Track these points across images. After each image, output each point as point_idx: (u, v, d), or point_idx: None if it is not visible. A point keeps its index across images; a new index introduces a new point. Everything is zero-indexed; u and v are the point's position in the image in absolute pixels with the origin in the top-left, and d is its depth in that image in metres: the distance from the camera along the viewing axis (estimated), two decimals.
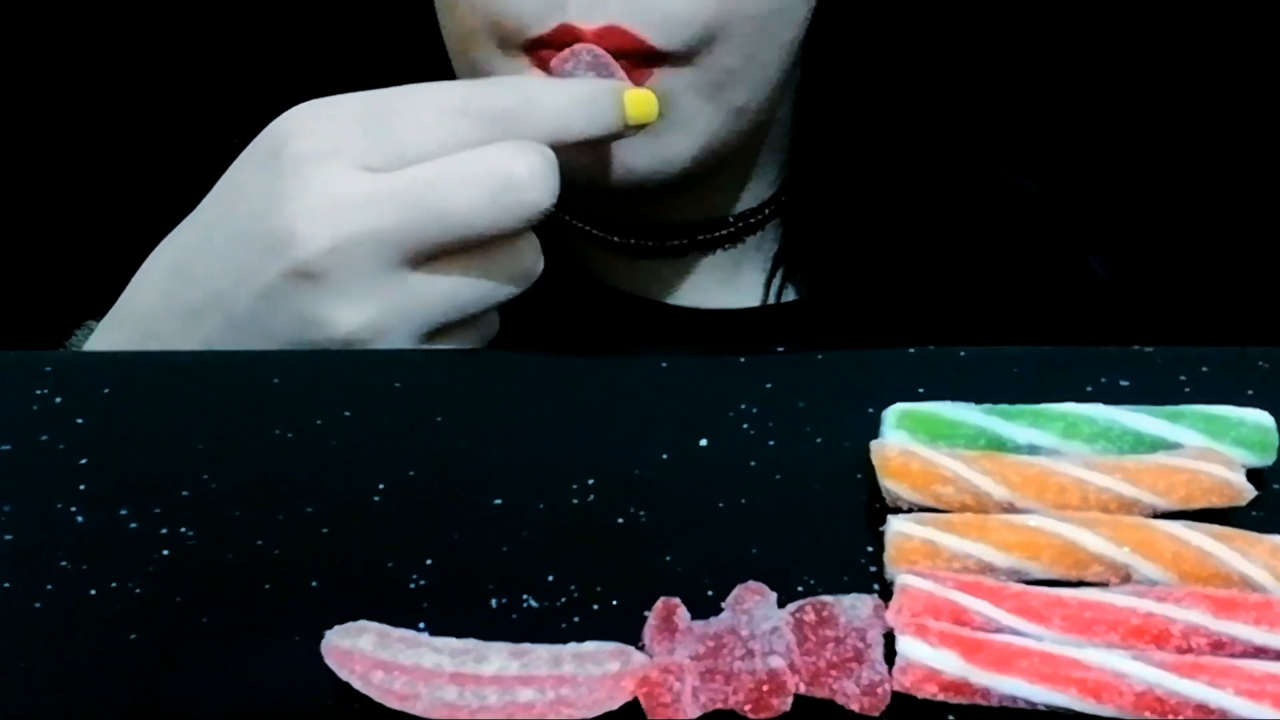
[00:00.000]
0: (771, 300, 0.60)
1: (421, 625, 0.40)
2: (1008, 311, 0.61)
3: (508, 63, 0.50)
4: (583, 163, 0.50)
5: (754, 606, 0.40)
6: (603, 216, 0.58)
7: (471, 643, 0.39)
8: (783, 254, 0.60)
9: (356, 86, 0.48)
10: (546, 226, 0.59)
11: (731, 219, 0.59)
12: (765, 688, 0.38)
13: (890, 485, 0.42)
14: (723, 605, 0.40)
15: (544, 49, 0.50)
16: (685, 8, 0.49)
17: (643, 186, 0.52)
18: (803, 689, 0.38)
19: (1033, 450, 0.43)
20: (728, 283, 0.60)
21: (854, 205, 0.60)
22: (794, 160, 0.60)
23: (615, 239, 0.58)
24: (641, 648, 0.39)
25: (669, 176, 0.52)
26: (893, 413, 0.44)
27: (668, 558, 0.42)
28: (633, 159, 0.51)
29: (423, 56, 0.56)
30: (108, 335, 0.51)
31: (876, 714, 0.38)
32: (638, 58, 0.49)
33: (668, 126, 0.51)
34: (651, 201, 0.56)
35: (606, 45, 0.48)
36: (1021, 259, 0.63)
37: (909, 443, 0.43)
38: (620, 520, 0.43)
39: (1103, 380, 0.46)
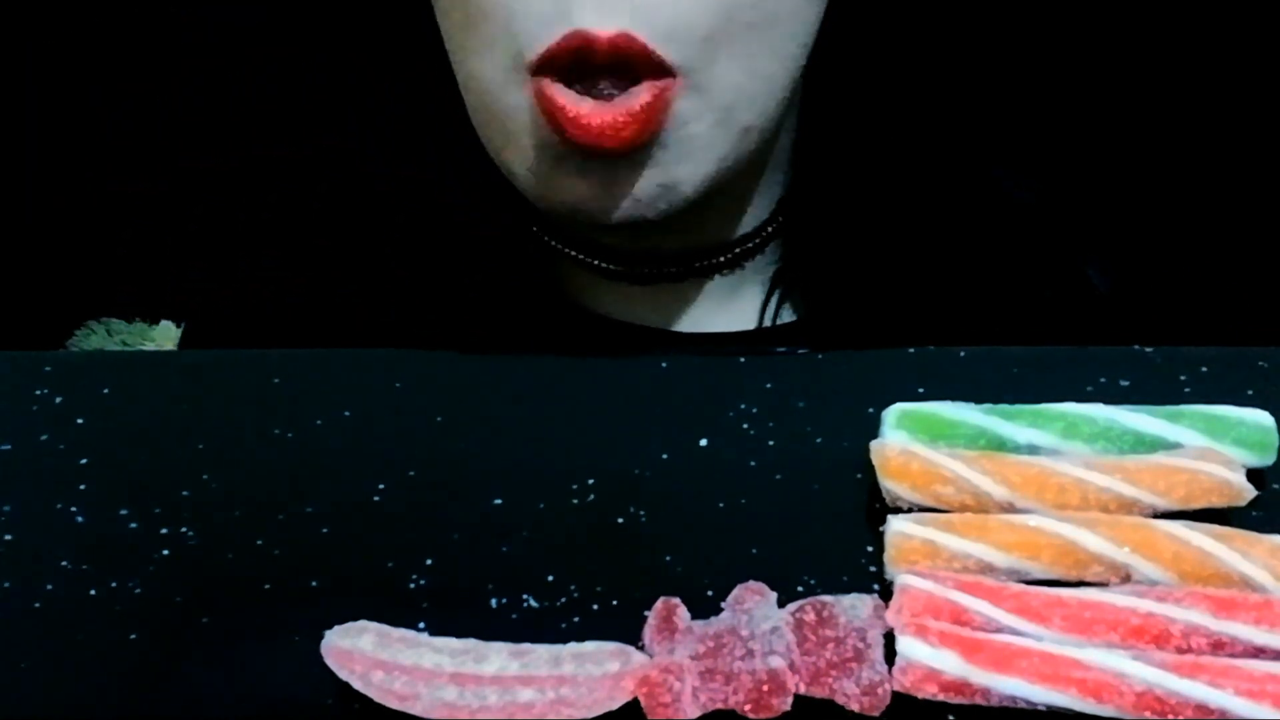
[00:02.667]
0: (768, 323, 0.60)
1: (421, 625, 0.40)
2: (1006, 328, 0.60)
3: (518, 88, 0.50)
4: (586, 194, 0.50)
5: (754, 606, 0.40)
6: (596, 244, 0.57)
7: (471, 643, 0.39)
8: (781, 276, 0.60)
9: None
10: (536, 253, 0.59)
11: (730, 244, 0.58)
12: (765, 688, 0.38)
13: (890, 485, 0.42)
14: (723, 605, 0.40)
15: (554, 74, 0.49)
16: (689, 14, 0.48)
17: (649, 218, 0.51)
18: (803, 689, 0.38)
19: (1033, 450, 0.43)
20: (724, 307, 0.60)
21: (857, 223, 0.59)
22: (794, 182, 0.59)
23: (610, 266, 0.58)
24: (641, 648, 0.39)
25: (678, 206, 0.51)
26: (893, 413, 0.44)
27: (668, 558, 0.42)
28: (641, 190, 0.50)
29: (431, 82, 0.55)
30: None
31: (876, 714, 0.38)
32: (648, 70, 0.48)
33: (678, 155, 0.50)
34: (652, 231, 0.56)
35: (618, 55, 0.48)
36: (1020, 277, 0.62)
37: (909, 443, 0.43)
38: (620, 520, 0.43)
39: (1103, 380, 0.46)
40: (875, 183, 0.59)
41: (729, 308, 0.59)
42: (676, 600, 0.40)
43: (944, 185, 0.61)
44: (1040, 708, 0.37)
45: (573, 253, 0.58)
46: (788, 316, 0.60)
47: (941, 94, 0.61)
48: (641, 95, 0.48)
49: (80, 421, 0.46)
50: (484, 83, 0.51)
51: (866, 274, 0.59)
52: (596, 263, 0.57)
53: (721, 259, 0.58)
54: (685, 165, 0.50)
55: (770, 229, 0.59)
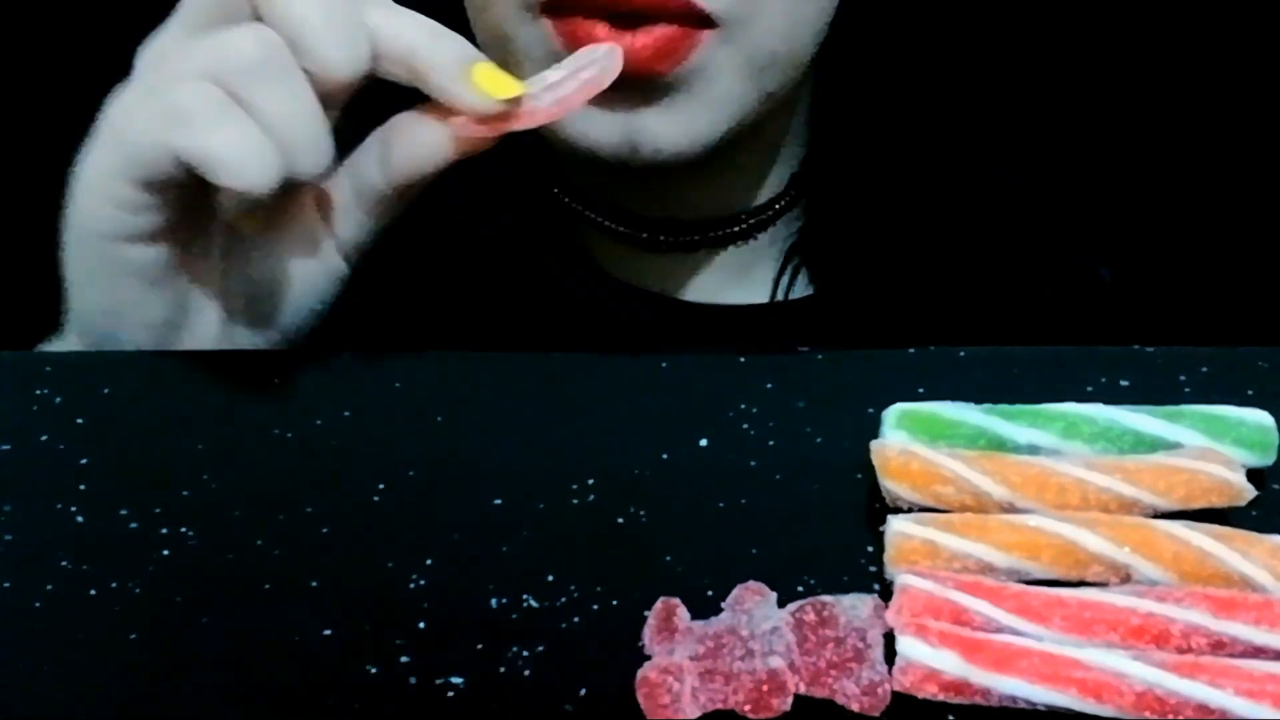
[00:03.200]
0: (780, 297, 0.60)
1: (422, 625, 0.40)
2: (1012, 310, 0.61)
3: (530, 28, 0.50)
4: (607, 136, 0.50)
5: (754, 606, 0.40)
6: (615, 208, 0.58)
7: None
8: (794, 250, 0.60)
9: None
10: (556, 216, 0.59)
11: (745, 215, 0.59)
12: (765, 688, 0.38)
13: (890, 485, 0.42)
14: (723, 605, 0.40)
15: (566, 13, 0.48)
16: None
17: (668, 165, 0.51)
18: (803, 689, 0.38)
19: (1033, 450, 0.43)
20: (738, 279, 0.60)
21: (869, 200, 0.60)
22: (809, 156, 0.60)
23: (627, 231, 0.58)
24: (641, 648, 0.39)
25: (696, 155, 0.51)
26: (893, 413, 0.44)
27: (668, 558, 0.42)
28: (662, 135, 0.50)
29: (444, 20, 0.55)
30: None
31: (876, 714, 0.38)
32: (682, 17, 0.48)
33: (703, 103, 0.50)
34: (668, 190, 0.56)
35: (645, 1, 0.47)
36: (1026, 262, 0.63)
37: (909, 443, 0.43)
38: (620, 520, 0.43)
39: (1103, 380, 0.46)
40: (887, 162, 0.59)
41: (742, 279, 0.60)
42: (676, 600, 0.40)
43: (950, 178, 0.61)
44: (1040, 708, 0.37)
45: (592, 215, 0.58)
46: (800, 291, 0.60)
47: (948, 91, 0.62)
48: (664, 28, 0.47)
49: (80, 421, 0.46)
50: (496, 24, 0.50)
51: (876, 248, 0.59)
52: (615, 226, 0.58)
53: (736, 229, 0.58)
54: (711, 116, 0.50)
55: (784, 202, 0.59)
